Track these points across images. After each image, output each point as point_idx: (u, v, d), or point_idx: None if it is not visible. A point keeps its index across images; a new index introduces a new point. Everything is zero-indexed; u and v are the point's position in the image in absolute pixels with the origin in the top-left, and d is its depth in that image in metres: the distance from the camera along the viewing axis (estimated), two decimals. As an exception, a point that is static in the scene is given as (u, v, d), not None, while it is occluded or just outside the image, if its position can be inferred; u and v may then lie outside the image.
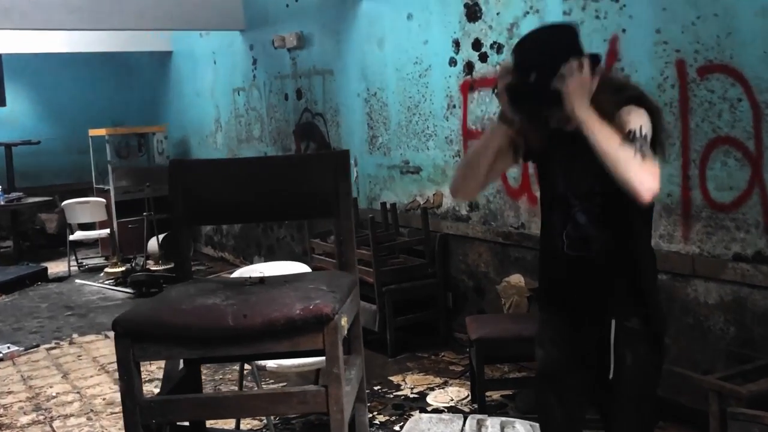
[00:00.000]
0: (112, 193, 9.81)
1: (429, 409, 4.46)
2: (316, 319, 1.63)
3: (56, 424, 4.54)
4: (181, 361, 2.12)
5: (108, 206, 9.63)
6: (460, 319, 5.08)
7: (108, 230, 9.63)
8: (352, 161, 6.73)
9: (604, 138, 2.12)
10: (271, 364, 3.93)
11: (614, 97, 2.27)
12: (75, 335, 6.52)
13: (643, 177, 2.09)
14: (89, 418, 4.59)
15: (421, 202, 5.94)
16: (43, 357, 5.95)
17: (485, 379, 4.20)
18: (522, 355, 4.44)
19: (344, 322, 1.73)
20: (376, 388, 4.87)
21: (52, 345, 6.27)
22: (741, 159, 3.65)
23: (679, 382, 3.99)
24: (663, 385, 4.11)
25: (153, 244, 9.08)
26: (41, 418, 4.66)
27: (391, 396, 4.74)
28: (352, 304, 1.90)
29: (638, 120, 2.19)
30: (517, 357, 4.59)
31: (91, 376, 5.41)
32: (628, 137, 2.14)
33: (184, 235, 2.07)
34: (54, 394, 5.08)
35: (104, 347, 6.08)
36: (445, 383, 4.88)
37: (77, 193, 10.16)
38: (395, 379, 5.04)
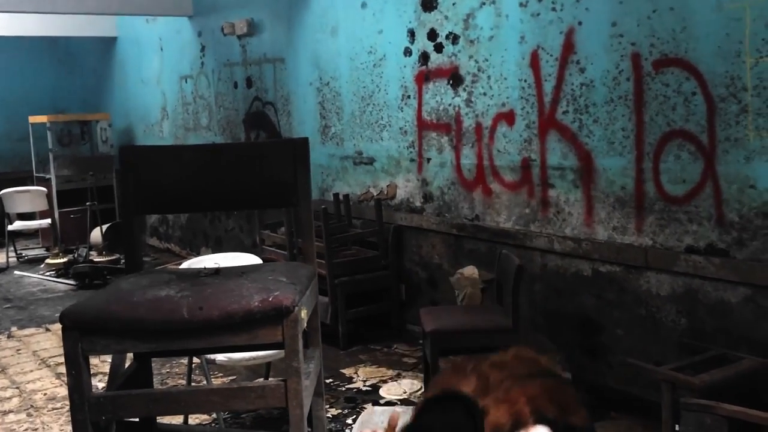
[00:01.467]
0: (53, 182, 9.50)
1: (382, 401, 4.42)
2: (276, 312, 1.56)
3: (-6, 421, 4.38)
4: (130, 354, 2.02)
5: (49, 195, 9.33)
6: (414, 311, 5.04)
7: (49, 220, 9.33)
8: (303, 151, 6.63)
9: None
10: (221, 357, 3.83)
11: (512, 425, 2.13)
12: (14, 328, 6.28)
13: None
14: (29, 414, 4.42)
15: (375, 194, 5.89)
16: (-21, 351, 5.73)
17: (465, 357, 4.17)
18: (476, 347, 4.41)
19: (304, 314, 1.66)
20: (328, 381, 4.80)
21: (-10, 339, 6.05)
22: (694, 152, 3.68)
23: (632, 373, 4.02)
24: (616, 376, 4.16)
25: (96, 234, 8.82)
26: (-23, 414, 4.48)
27: (344, 389, 4.68)
28: (311, 296, 1.83)
29: None
30: (471, 349, 4.54)
31: (31, 371, 5.22)
32: None
33: (135, 225, 1.97)
34: (-8, 390, 4.89)
35: (45, 341, 5.88)
36: (398, 375, 4.84)
37: (16, 182, 9.81)
38: (347, 371, 4.98)
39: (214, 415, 4.08)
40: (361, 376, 4.89)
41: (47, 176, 9.68)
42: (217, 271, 1.78)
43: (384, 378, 4.83)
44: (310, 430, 2.04)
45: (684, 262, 3.76)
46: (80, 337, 1.56)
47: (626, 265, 4.07)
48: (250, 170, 1.92)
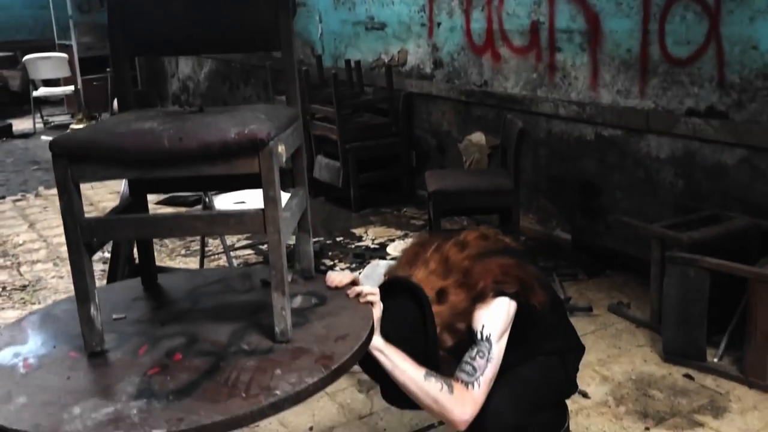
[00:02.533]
0: (74, 49, 9.56)
1: (388, 257, 4.60)
2: (251, 144, 1.65)
3: (23, 269, 4.64)
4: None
5: (71, 62, 9.41)
6: (423, 177, 5.15)
7: (72, 87, 9.45)
8: (316, 17, 6.59)
9: (399, 373, 2.01)
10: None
11: (471, 302, 2.15)
12: (41, 188, 6.54)
13: (453, 409, 1.99)
14: (55, 264, 4.69)
15: (386, 60, 5.88)
16: (9, 208, 5.99)
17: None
18: (478, 207, 4.55)
19: (281, 149, 1.76)
20: (338, 239, 5.00)
21: (18, 197, 6.30)
22: (700, 13, 3.64)
23: (627, 233, 4.14)
24: (613, 237, 4.28)
25: (119, 101, 8.94)
26: (9, 263, 4.75)
27: (353, 246, 4.87)
28: (293, 137, 1.92)
29: (483, 318, 2.08)
30: (474, 209, 4.69)
31: (57, 226, 5.46)
32: (474, 341, 2.05)
33: (124, 67, 2.06)
34: (21, 242, 5.15)
35: (70, 200, 6.12)
36: (406, 235, 5.01)
37: (39, 50, 9.89)
38: (358, 231, 5.17)
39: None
40: (371, 236, 5.07)
41: (68, 43, 9.73)
42: (200, 109, 1.88)
43: (392, 237, 5.01)
44: (297, 264, 2.19)
45: (684, 125, 3.79)
46: (69, 164, 1.67)
47: (628, 129, 4.11)
48: (232, 13, 1.97)
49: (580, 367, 2.45)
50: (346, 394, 3.09)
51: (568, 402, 2.57)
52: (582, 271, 4.25)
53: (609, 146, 4.25)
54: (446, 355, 2.13)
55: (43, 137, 8.80)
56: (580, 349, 2.45)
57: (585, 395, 2.99)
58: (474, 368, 2.03)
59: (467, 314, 2.10)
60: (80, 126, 8.71)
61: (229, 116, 1.78)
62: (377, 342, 2.01)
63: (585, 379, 3.02)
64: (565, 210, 4.61)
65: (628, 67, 4.04)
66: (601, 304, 3.81)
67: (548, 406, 2.35)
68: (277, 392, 1.57)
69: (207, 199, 4.01)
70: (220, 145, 1.66)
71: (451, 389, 2.00)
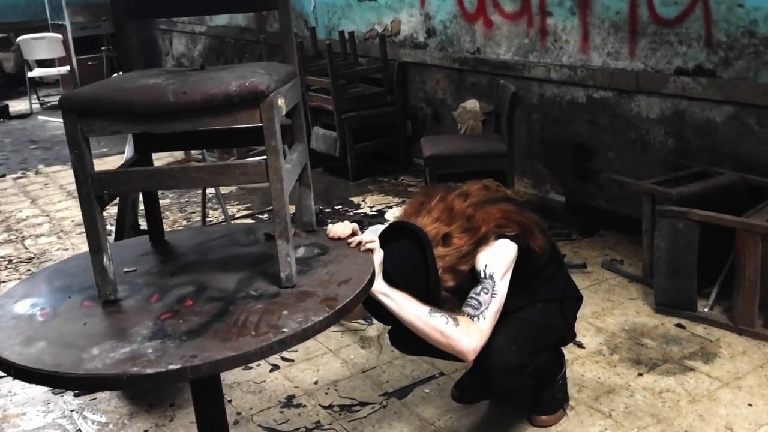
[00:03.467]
0: (68, 29, 9.56)
1: (386, 224, 4.66)
2: (252, 96, 1.73)
3: (28, 242, 4.72)
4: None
5: (65, 42, 9.42)
6: (419, 145, 5.22)
7: (68, 67, 9.48)
8: (310, -11, 6.63)
9: (405, 313, 2.11)
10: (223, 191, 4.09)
11: (474, 246, 2.23)
12: (41, 166, 6.60)
13: (461, 339, 2.10)
14: (59, 237, 4.77)
15: (379, 30, 5.93)
16: (10, 186, 6.05)
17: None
18: (474, 171, 4.60)
19: (281, 102, 1.83)
20: (337, 207, 5.08)
21: (19, 175, 6.36)
22: (687, -28, 3.70)
23: (619, 194, 4.23)
24: (606, 198, 4.37)
25: (114, 80, 8.98)
26: (13, 237, 4.83)
27: (351, 214, 4.95)
28: (292, 92, 2.00)
29: (486, 258, 2.20)
30: (470, 173, 4.74)
31: (59, 201, 5.55)
32: (477, 280, 2.17)
33: (128, 30, 2.13)
34: (24, 217, 5.23)
35: (70, 176, 6.15)
36: (403, 202, 5.09)
37: (32, 31, 9.88)
38: (356, 199, 5.25)
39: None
40: (369, 203, 5.15)
41: (62, 23, 9.74)
42: (202, 67, 1.95)
43: (390, 204, 5.09)
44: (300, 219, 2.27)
45: (673, 84, 3.86)
46: (78, 119, 1.75)
47: (618, 90, 4.18)
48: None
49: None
50: (350, 350, 3.19)
51: (564, 351, 2.68)
52: (576, 231, 4.34)
53: (600, 108, 4.32)
54: (448, 295, 2.23)
55: (41, 117, 8.85)
56: (578, 299, 2.56)
57: (580, 345, 3.09)
58: (479, 302, 2.15)
59: (471, 257, 2.21)
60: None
61: (230, 72, 1.85)
62: (380, 286, 2.11)
63: (580, 330, 3.11)
64: (559, 173, 4.69)
65: (617, 29, 4.10)
66: (595, 262, 3.91)
67: (547, 350, 2.46)
68: (285, 330, 1.66)
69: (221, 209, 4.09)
70: (223, 97, 1.73)
71: (456, 322, 2.12)
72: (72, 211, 5.29)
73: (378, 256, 2.12)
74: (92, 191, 1.80)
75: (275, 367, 3.09)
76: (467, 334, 2.13)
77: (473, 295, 2.19)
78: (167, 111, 1.73)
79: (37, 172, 6.40)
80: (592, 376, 2.87)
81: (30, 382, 1.65)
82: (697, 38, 3.72)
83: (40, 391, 3.01)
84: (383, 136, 5.87)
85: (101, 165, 6.20)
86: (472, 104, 5.27)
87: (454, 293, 2.25)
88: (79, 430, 2.75)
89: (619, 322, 3.28)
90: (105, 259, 1.84)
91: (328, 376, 3.00)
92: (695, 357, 2.97)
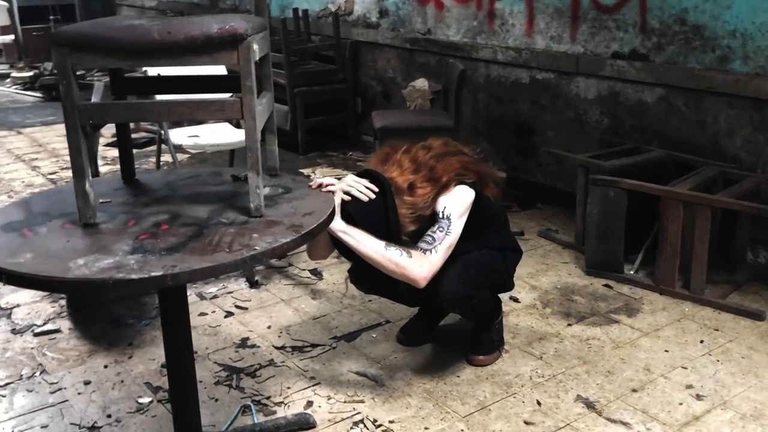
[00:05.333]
0: (14, -1, 9.45)
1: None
2: (231, 38, 1.89)
3: (-22, 200, 4.76)
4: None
5: (10, 10, 9.30)
6: (368, 123, 5.41)
7: (12, 36, 9.36)
8: (266, -34, 6.73)
9: (363, 247, 2.35)
10: (188, 142, 4.22)
11: (435, 194, 2.48)
12: (-13, 130, 6.58)
13: (413, 268, 2.35)
14: (10, 197, 4.81)
15: (333, 9, 6.10)
16: (-43, 148, 6.04)
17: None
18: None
19: (256, 48, 2.00)
20: (286, 178, 5.23)
21: (-35, 139, 6.34)
22: (626, -38, 3.97)
23: (557, 170, 4.50)
24: (543, 173, 4.63)
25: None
26: (-38, 196, 4.86)
27: (300, 184, 5.10)
28: (263, 42, 2.17)
29: (444, 201, 2.46)
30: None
31: (8, 164, 5.56)
32: (435, 220, 2.44)
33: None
34: (-27, 178, 5.25)
35: (18, 141, 6.20)
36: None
37: (-24, -2, 9.74)
38: (306, 171, 5.41)
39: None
40: (318, 175, 5.31)
41: (8, -9, 9.60)
42: (182, 14, 2.11)
43: (339, 176, 5.23)
44: (270, 172, 2.44)
45: (609, 67, 4.14)
46: (69, 53, 1.88)
47: (560, 72, 4.45)
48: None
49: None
50: (301, 300, 3.37)
51: (502, 303, 2.93)
52: (516, 204, 4.59)
53: (542, 89, 4.58)
54: (408, 239, 2.46)
55: (-17, 85, 8.74)
56: (518, 252, 2.82)
57: (516, 300, 3.34)
58: (433, 239, 2.41)
59: (432, 203, 2.45)
60: (22, 74, 8.67)
61: (211, 17, 2.02)
62: (340, 224, 2.32)
63: (516, 288, 3.34)
64: (502, 150, 4.94)
65: (560, 14, 4.36)
66: (532, 231, 4.17)
67: (489, 289, 2.71)
68: (257, 248, 1.84)
69: (163, 132, 4.20)
70: (204, 38, 1.90)
71: (410, 254, 2.36)
72: (21, 173, 5.32)
73: (338, 197, 2.33)
74: (78, 121, 1.94)
75: (229, 314, 3.25)
76: (419, 264, 2.36)
77: (429, 233, 2.43)
78: (152, 48, 1.89)
79: (-16, 136, 6.39)
80: (525, 326, 3.12)
81: (20, 286, 1.79)
82: (633, 24, 4.00)
83: (-1, 331, 3.11)
84: (334, 112, 6.04)
85: (47, 132, 6.23)
86: (422, 83, 5.49)
87: (414, 238, 2.47)
88: (40, 364, 2.87)
89: (552, 282, 3.54)
90: (87, 185, 1.98)
91: (280, 322, 3.18)
92: (620, 312, 3.25)
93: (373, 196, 2.40)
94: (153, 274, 1.71)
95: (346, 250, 2.43)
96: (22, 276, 1.74)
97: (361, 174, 2.50)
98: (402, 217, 2.43)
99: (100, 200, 2.19)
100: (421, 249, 2.41)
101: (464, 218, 2.50)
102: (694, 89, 3.78)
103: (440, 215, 2.45)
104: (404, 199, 2.44)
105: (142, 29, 1.90)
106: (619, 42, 4.09)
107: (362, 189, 2.41)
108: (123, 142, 2.39)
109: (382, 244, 2.36)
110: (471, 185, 2.55)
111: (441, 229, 2.44)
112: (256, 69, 2.08)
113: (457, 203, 2.48)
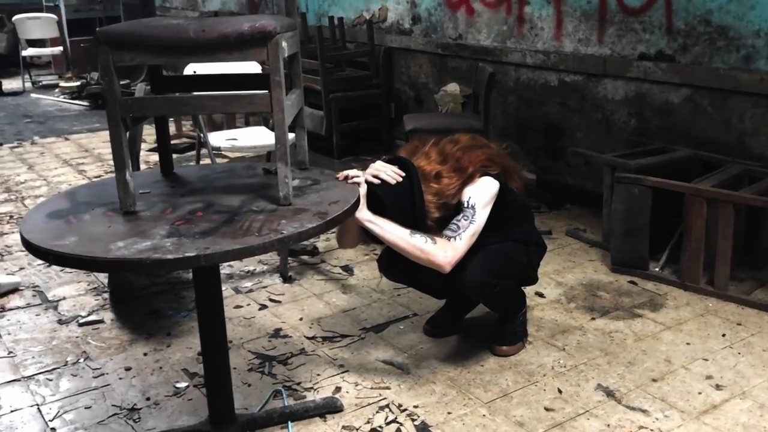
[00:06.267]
0: (62, 11, 9.79)
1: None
2: (261, 35, 2.02)
3: (27, 202, 4.96)
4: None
5: (59, 23, 9.64)
6: (401, 127, 5.53)
7: (61, 48, 9.69)
8: (302, -24, 6.92)
9: (389, 235, 2.46)
10: (226, 145, 4.38)
11: (461, 184, 2.58)
12: (36, 137, 6.83)
13: (438, 254, 2.45)
14: (57, 198, 5.02)
15: (367, 17, 6.24)
16: (7, 153, 6.29)
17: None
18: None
19: (285, 45, 2.13)
20: (320, 181, 5.36)
21: (15, 144, 6.60)
22: (652, -35, 4.04)
23: (585, 171, 4.56)
24: (572, 175, 4.70)
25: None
26: (13, 197, 5.08)
27: (334, 186, 5.23)
28: (292, 41, 2.29)
29: (470, 191, 2.57)
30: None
31: (56, 168, 5.79)
32: (461, 209, 2.54)
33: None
34: (23, 180, 5.47)
35: (65, 147, 6.44)
36: (384, 178, 5.38)
37: (26, 13, 10.10)
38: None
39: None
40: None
41: (56, 3, 9.95)
42: (216, 14, 2.25)
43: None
44: (297, 166, 2.57)
45: (636, 69, 4.20)
46: (111, 50, 2.03)
47: (587, 74, 4.52)
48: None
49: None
50: (332, 294, 3.49)
51: (527, 297, 3.02)
52: (545, 205, 4.66)
53: (570, 91, 4.66)
54: (434, 225, 2.58)
55: (33, 95, 9.06)
56: (543, 246, 2.92)
57: (541, 295, 3.42)
58: (458, 227, 2.53)
59: (458, 192, 2.57)
60: (69, 84, 8.97)
61: (242, 17, 2.16)
62: (366, 215, 2.45)
63: (542, 284, 3.43)
64: (531, 152, 5.02)
65: (588, 17, 4.44)
66: (560, 230, 4.23)
67: (513, 279, 2.81)
68: (284, 232, 1.96)
69: (202, 135, 4.37)
70: (236, 35, 2.03)
71: (434, 241, 2.48)
72: (68, 176, 5.54)
73: (363, 188, 2.44)
74: (119, 114, 2.09)
75: (264, 307, 3.38)
76: (444, 249, 2.47)
77: (454, 221, 2.55)
78: (188, 45, 2.03)
79: (33, 143, 6.63)
80: (550, 319, 3.19)
81: (65, 266, 1.94)
82: (659, 26, 4.06)
83: (45, 320, 3.28)
84: (368, 117, 6.18)
85: (93, 138, 6.46)
86: (453, 87, 5.59)
87: (440, 224, 2.58)
88: (84, 351, 3.02)
89: (578, 278, 3.61)
90: (127, 175, 2.13)
91: (312, 314, 3.30)
92: (643, 306, 3.30)
93: (400, 179, 2.50)
94: (187, 254, 1.84)
95: (375, 237, 2.55)
96: (67, 256, 1.88)
97: (389, 160, 2.62)
98: (428, 203, 2.54)
99: (140, 191, 2.34)
100: (446, 236, 2.52)
101: (489, 208, 2.60)
102: (719, 89, 3.82)
103: (465, 204, 2.56)
104: (430, 186, 2.55)
105: (178, 28, 2.04)
106: (646, 43, 4.15)
107: (390, 173, 2.51)
108: (161, 137, 2.54)
109: (407, 231, 2.47)
110: (495, 176, 2.66)
111: (466, 217, 2.54)
112: (285, 66, 2.21)
113: (482, 193, 2.59)
